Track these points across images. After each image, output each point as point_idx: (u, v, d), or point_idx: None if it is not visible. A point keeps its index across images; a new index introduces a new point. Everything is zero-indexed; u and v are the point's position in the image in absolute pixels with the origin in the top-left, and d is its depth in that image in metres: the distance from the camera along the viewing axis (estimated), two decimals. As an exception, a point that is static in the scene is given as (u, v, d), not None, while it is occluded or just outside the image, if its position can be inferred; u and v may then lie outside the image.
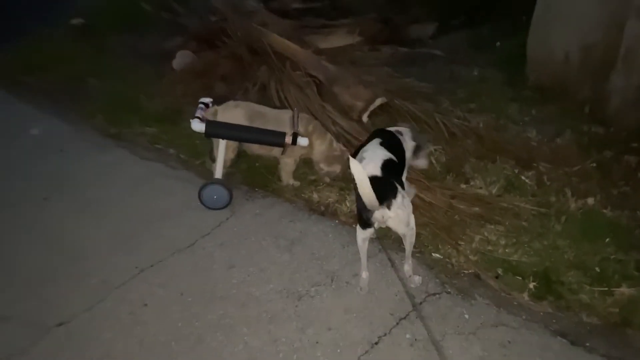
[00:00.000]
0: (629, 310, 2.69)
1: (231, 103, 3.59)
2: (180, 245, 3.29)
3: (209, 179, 3.62)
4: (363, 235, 2.71)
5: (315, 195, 3.68)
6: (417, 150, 3.14)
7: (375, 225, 2.60)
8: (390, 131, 3.12)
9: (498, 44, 5.82)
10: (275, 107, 3.94)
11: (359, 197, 2.46)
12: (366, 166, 2.58)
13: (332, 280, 2.96)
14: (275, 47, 5.40)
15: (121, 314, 2.83)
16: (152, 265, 3.15)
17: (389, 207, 2.49)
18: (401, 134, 3.10)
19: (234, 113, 3.51)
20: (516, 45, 5.68)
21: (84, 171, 4.14)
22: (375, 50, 6.33)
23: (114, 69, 6.14)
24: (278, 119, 3.54)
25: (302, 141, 3.46)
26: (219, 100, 3.74)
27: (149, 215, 3.59)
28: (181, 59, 6.00)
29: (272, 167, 3.98)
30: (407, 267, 2.84)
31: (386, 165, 2.65)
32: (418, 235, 3.17)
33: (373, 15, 6.80)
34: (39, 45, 6.79)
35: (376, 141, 2.89)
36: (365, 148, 2.86)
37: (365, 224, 2.60)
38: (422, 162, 3.26)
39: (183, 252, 3.24)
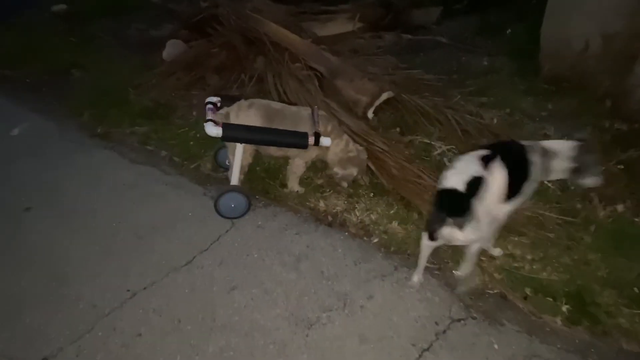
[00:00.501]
0: (673, 336, 2.44)
1: (244, 103, 3.25)
2: (176, 264, 3.00)
3: (216, 186, 3.37)
4: (428, 244, 2.53)
5: (321, 204, 3.39)
6: (578, 171, 2.61)
7: (440, 242, 2.42)
8: (517, 145, 2.60)
9: (509, 31, 5.51)
10: (284, 102, 3.60)
11: (433, 207, 2.34)
12: (450, 177, 2.36)
13: (344, 304, 2.68)
14: (272, 37, 5.04)
15: (113, 346, 2.55)
16: (145, 288, 2.86)
17: (459, 228, 2.26)
18: (537, 151, 2.56)
19: (249, 114, 3.19)
20: (526, 32, 5.39)
21: (69, 177, 3.80)
22: (377, 37, 6.00)
23: (100, 59, 5.78)
24: (297, 117, 3.24)
25: (325, 141, 3.15)
26: (226, 98, 3.40)
27: (140, 227, 3.29)
28: (171, 49, 5.64)
29: (273, 171, 3.69)
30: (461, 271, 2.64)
31: (474, 183, 2.32)
32: (437, 250, 2.92)
33: (374, 0, 6.43)
34: (18, 35, 6.39)
35: (480, 153, 2.49)
36: (461, 157, 2.54)
37: (431, 235, 2.39)
38: (589, 181, 2.65)
39: (179, 272, 2.95)
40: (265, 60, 5.03)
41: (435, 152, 3.82)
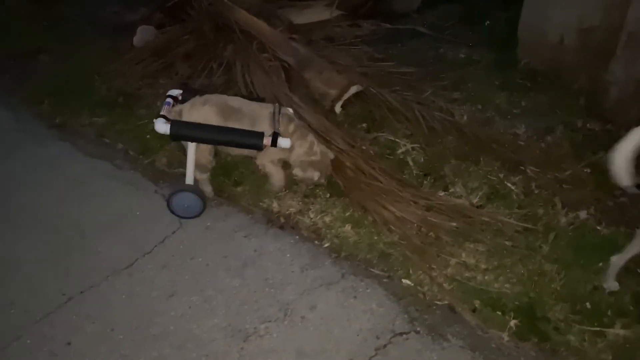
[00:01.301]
0: (622, 356, 2.34)
1: (198, 99, 3.09)
2: (117, 266, 2.88)
3: (169, 183, 3.27)
4: None
5: (275, 204, 3.26)
6: None
7: None
8: None
9: (487, 22, 5.31)
10: (248, 97, 3.42)
11: None
12: None
13: (285, 315, 2.57)
14: (242, 25, 4.86)
15: (40, 355, 2.44)
16: (82, 292, 2.74)
17: None
18: None
19: (202, 111, 3.03)
20: (507, 22, 5.21)
21: (18, 170, 3.66)
22: (355, 26, 5.79)
23: (69, 44, 5.58)
24: (255, 116, 3.07)
25: (284, 142, 2.97)
26: (188, 92, 3.26)
27: (85, 226, 3.16)
28: (142, 35, 5.44)
29: (228, 168, 3.55)
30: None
31: None
32: (387, 257, 2.81)
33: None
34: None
35: None
36: None
37: None
38: None
39: (119, 275, 2.83)
40: (235, 49, 4.85)
41: (399, 151, 3.67)
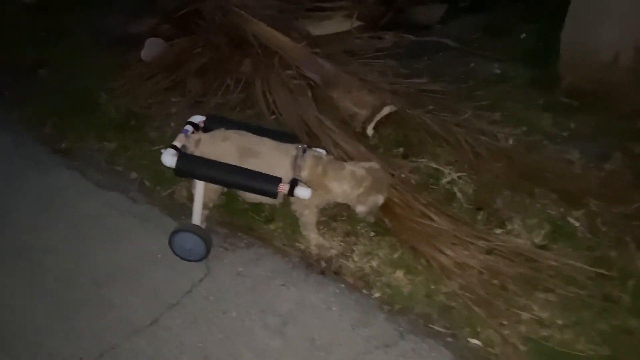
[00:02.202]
0: None
1: (220, 134, 2.73)
2: (139, 322, 2.52)
3: (184, 221, 2.87)
4: None
5: (312, 245, 2.90)
6: None
7: None
8: None
9: (523, 35, 4.99)
10: (279, 132, 3.02)
11: None
12: None
13: (340, 386, 2.21)
14: (261, 38, 4.50)
15: None
16: (101, 355, 2.38)
17: None
18: None
19: (221, 148, 2.67)
20: (539, 35, 4.90)
21: (20, 204, 3.30)
22: (376, 37, 5.46)
23: (71, 57, 5.21)
24: (274, 158, 2.68)
25: (302, 192, 2.56)
26: (213, 120, 2.90)
27: (99, 273, 2.80)
28: (151, 48, 5.07)
29: (258, 202, 3.18)
30: None
31: None
32: (448, 310, 2.46)
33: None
34: (-19, 27, 5.81)
35: None
36: None
37: None
38: None
39: (142, 334, 2.47)
40: (253, 63, 4.50)
41: (444, 180, 3.33)
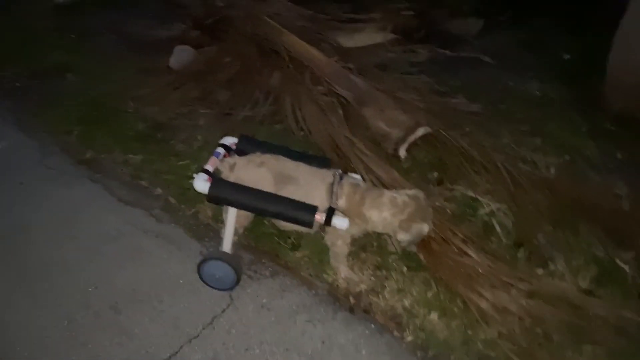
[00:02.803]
0: None
1: (256, 158, 2.59)
2: (158, 354, 2.41)
3: (213, 249, 2.77)
4: None
5: (342, 278, 2.74)
6: None
7: None
8: None
9: (567, 56, 4.76)
10: (312, 157, 2.86)
11: None
12: None
13: None
14: (292, 51, 4.38)
15: None
16: (117, 389, 2.26)
17: None
18: None
19: (257, 174, 2.54)
20: (583, 53, 4.68)
21: (41, 218, 3.21)
22: (410, 51, 5.29)
23: (99, 61, 5.17)
24: (310, 185, 2.53)
25: (339, 223, 2.39)
26: (245, 142, 2.77)
27: (119, 297, 2.69)
28: (180, 56, 4.99)
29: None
30: None
31: None
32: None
33: (407, 8, 5.71)
34: (13, 28, 5.79)
35: None
36: None
37: None
38: None
39: (160, 368, 2.34)
40: (282, 77, 4.38)
41: (482, 211, 3.15)
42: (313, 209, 2.38)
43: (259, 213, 2.62)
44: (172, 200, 3.36)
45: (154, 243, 3.01)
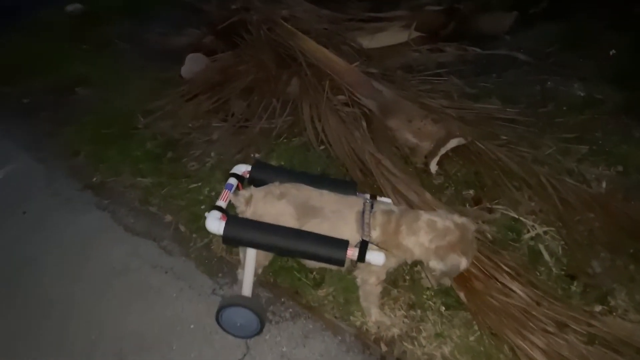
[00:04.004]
0: None
1: (275, 190, 2.29)
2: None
3: (231, 292, 2.54)
4: None
5: (371, 321, 2.44)
6: None
7: None
8: None
9: (613, 52, 4.32)
10: (327, 177, 2.59)
11: None
12: None
13: None
14: (310, 57, 4.06)
15: None
16: None
17: None
18: None
19: (277, 208, 2.24)
20: (631, 49, 4.24)
21: (44, 250, 3.00)
22: (437, 50, 4.92)
23: (112, 73, 5.01)
24: (337, 217, 2.22)
25: (375, 258, 2.09)
26: (259, 169, 2.49)
27: (125, 342, 2.46)
28: (191, 65, 4.74)
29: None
30: None
31: None
32: None
33: (432, 3, 5.34)
34: (26, 39, 5.66)
35: None
36: None
37: None
38: None
39: None
40: (301, 85, 4.07)
41: (527, 235, 2.80)
42: (344, 244, 2.07)
43: (282, 253, 2.33)
44: (182, 228, 3.10)
45: (163, 280, 2.75)
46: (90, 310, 2.63)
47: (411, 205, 2.81)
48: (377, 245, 2.15)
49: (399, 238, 2.17)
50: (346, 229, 2.17)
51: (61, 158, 3.83)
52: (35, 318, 2.61)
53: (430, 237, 2.14)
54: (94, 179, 3.57)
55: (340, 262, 2.09)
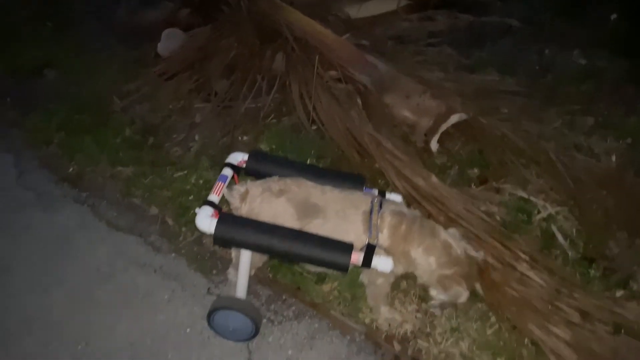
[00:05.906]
0: None
1: (274, 185, 2.07)
2: None
3: (225, 295, 2.33)
4: None
5: (381, 317, 2.27)
6: None
7: None
8: None
9: (614, 16, 4.14)
10: (331, 170, 2.46)
11: None
12: None
13: None
14: (296, 30, 3.79)
15: None
16: None
17: None
18: None
19: (275, 206, 2.03)
20: (633, 15, 4.07)
21: (21, 254, 2.73)
22: (427, 19, 4.67)
23: (81, 53, 4.60)
24: (342, 217, 2.01)
25: (382, 264, 1.90)
26: (258, 158, 2.27)
27: (113, 355, 2.23)
28: (168, 41, 4.41)
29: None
30: None
31: None
32: None
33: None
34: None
35: None
36: None
37: None
38: None
39: None
40: (288, 61, 3.81)
41: (539, 216, 2.65)
42: (348, 249, 1.87)
43: (281, 257, 2.13)
44: (170, 222, 2.87)
45: (152, 282, 2.53)
46: (74, 320, 2.39)
47: (419, 192, 2.62)
48: (384, 249, 1.96)
49: (407, 246, 2.00)
50: (351, 231, 1.99)
51: (32, 146, 3.52)
52: (14, 335, 2.36)
53: (441, 261, 1.99)
54: (70, 169, 3.29)
55: (344, 268, 1.90)
